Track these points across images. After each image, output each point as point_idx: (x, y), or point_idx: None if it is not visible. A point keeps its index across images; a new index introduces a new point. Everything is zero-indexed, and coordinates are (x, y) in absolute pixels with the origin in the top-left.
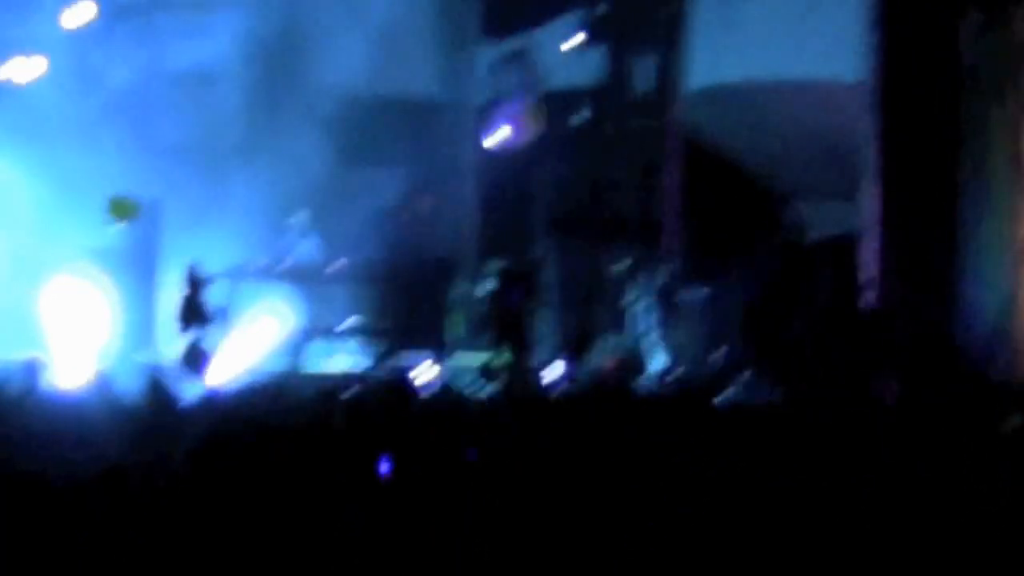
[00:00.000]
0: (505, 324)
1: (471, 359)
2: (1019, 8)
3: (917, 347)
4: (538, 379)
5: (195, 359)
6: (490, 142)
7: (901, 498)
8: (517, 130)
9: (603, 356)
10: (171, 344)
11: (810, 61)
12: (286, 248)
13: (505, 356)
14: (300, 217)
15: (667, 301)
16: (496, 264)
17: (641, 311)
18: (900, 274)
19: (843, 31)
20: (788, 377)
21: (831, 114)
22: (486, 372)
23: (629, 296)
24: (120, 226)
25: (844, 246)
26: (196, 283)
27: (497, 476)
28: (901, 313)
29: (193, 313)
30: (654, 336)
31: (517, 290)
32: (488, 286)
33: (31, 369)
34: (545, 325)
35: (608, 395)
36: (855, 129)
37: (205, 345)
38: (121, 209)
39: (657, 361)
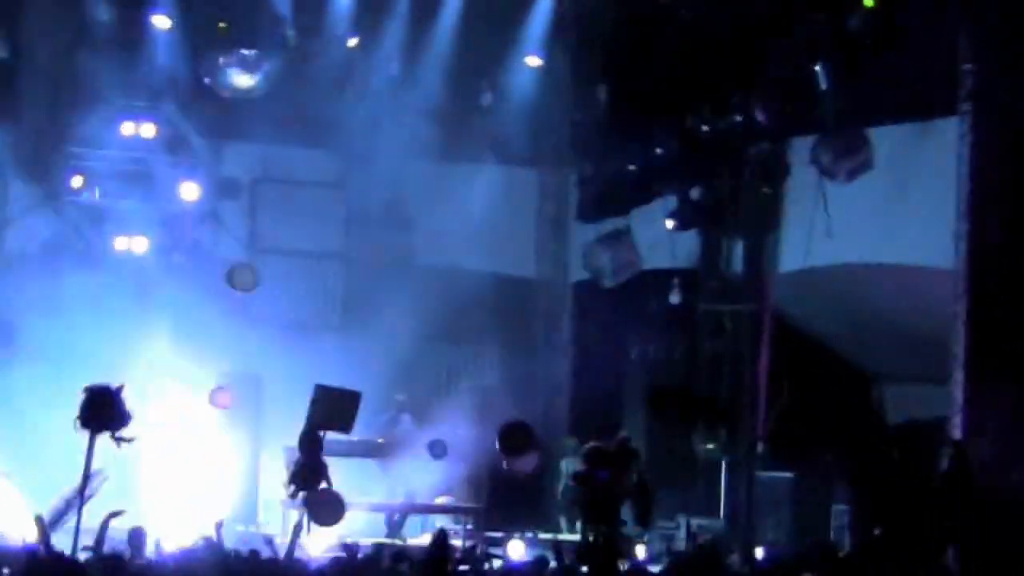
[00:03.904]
0: (594, 503)
1: (562, 535)
2: None
3: (1004, 536)
4: (627, 557)
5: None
6: None
7: None
8: None
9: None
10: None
11: (900, 246)
12: (384, 422)
13: (596, 534)
14: (399, 393)
15: (754, 483)
16: (584, 444)
17: (729, 492)
18: (985, 459)
19: (933, 218)
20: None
21: (920, 299)
22: (583, 550)
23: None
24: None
25: (929, 430)
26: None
27: None
28: (986, 499)
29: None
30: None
31: (606, 469)
32: (575, 465)
33: (135, 538)
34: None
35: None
36: (943, 314)
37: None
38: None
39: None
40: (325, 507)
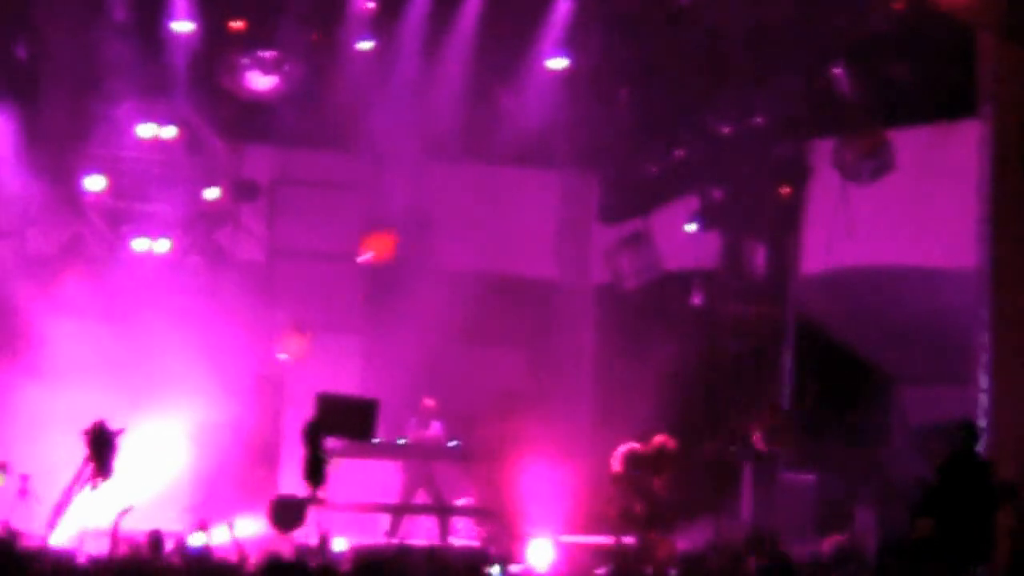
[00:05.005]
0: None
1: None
2: None
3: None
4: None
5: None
6: None
7: None
8: None
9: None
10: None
11: (923, 248)
12: (412, 426)
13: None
14: (428, 398)
15: (776, 484)
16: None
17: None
18: (1008, 461)
19: (955, 220)
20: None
21: (943, 300)
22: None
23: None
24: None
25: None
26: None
27: None
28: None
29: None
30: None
31: (649, 473)
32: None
33: (154, 540)
34: None
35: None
36: (966, 316)
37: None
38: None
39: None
40: (285, 511)
